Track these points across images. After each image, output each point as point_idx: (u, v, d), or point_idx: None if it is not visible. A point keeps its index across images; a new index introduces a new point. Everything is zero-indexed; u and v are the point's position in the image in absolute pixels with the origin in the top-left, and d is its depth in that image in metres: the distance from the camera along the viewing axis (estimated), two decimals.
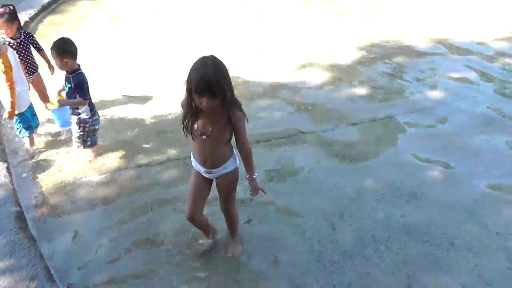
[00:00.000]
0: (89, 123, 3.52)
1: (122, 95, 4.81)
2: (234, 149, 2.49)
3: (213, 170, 2.45)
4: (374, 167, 3.67)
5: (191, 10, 7.94)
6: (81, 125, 3.50)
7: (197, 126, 2.28)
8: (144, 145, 3.93)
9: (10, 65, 3.33)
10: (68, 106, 3.51)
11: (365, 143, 4.01)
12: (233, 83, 2.21)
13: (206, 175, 2.51)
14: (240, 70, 5.36)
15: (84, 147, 3.62)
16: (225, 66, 2.13)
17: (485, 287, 2.60)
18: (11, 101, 3.34)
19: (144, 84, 5.09)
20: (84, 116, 3.47)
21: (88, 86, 3.41)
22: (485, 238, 2.94)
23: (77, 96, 3.33)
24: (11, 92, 3.32)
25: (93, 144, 3.66)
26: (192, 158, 2.54)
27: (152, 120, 4.35)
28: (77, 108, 3.45)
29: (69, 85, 3.33)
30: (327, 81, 5.27)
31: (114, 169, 3.60)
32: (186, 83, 2.11)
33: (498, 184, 3.46)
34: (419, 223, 3.06)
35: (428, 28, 7.03)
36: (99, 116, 3.65)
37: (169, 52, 5.93)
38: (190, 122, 2.28)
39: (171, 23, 7.20)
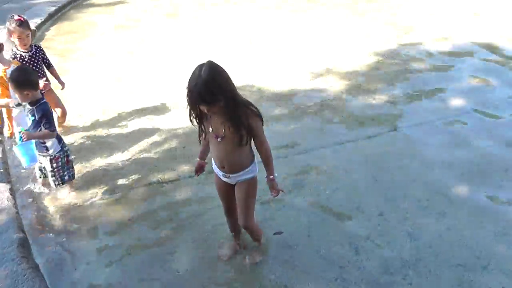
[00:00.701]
0: (61, 156, 3.21)
1: (132, 109, 4.62)
2: (255, 156, 2.45)
3: (231, 175, 2.43)
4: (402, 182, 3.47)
5: (207, 14, 7.81)
6: (53, 161, 3.19)
7: (212, 129, 2.27)
8: (156, 162, 3.75)
9: (6, 82, 3.17)
10: (33, 140, 3.05)
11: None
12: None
13: (224, 179, 2.50)
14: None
15: (64, 183, 3.30)
16: (220, 73, 2.09)
17: None
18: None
19: (156, 95, 4.92)
20: (53, 151, 3.16)
21: (52, 116, 3.10)
22: None
23: (43, 128, 3.00)
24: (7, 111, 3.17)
25: (71, 178, 3.34)
26: (212, 161, 2.52)
27: (164, 135, 4.16)
28: (43, 143, 3.13)
29: (33, 118, 3.01)
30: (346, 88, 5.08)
31: (124, 188, 3.41)
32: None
33: None
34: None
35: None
36: (67, 145, 3.37)
37: (182, 61, 5.68)
38: (202, 126, 2.30)
39: (183, 31, 7.06)
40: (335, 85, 5.12)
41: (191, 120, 2.27)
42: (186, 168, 3.62)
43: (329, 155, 3.80)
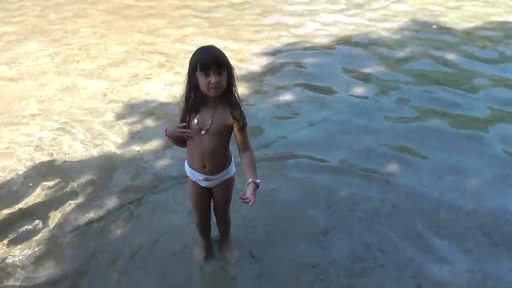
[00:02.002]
0: None
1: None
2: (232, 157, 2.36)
3: (212, 177, 2.27)
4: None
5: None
6: None
7: (197, 121, 2.11)
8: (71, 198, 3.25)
9: None
10: None
11: None
12: None
13: (204, 184, 2.32)
14: None
15: None
16: None
17: None
18: None
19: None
20: None
21: None
22: None
23: None
24: None
25: None
26: (186, 166, 2.34)
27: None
28: None
29: None
30: None
31: (45, 240, 2.87)
32: (188, 68, 2.03)
33: None
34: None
35: None
36: None
37: None
38: (190, 117, 2.11)
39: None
40: None
41: (187, 100, 2.09)
42: (112, 202, 3.21)
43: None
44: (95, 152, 3.78)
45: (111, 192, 3.28)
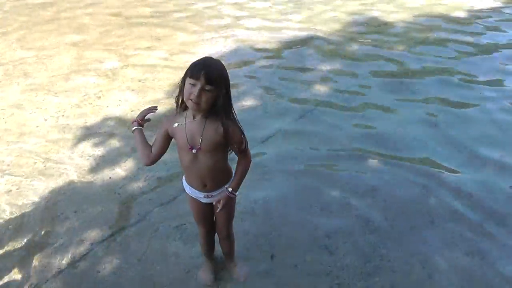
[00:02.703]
0: None
1: None
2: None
3: (213, 193, 2.14)
4: None
5: None
6: None
7: (186, 137, 1.94)
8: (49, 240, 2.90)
9: None
10: None
11: None
12: None
13: (205, 200, 2.18)
14: None
15: None
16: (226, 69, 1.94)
17: None
18: None
19: None
20: None
21: None
22: None
23: None
24: None
25: None
26: (185, 183, 2.19)
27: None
28: None
29: None
30: None
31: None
32: (183, 77, 1.89)
33: None
34: None
35: None
36: None
37: None
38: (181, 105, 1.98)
39: None
40: None
41: (177, 102, 1.97)
42: (93, 236, 2.92)
43: None
44: (60, 182, 3.42)
45: (90, 226, 2.98)
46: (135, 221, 3.02)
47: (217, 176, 2.09)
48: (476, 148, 3.82)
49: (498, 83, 5.12)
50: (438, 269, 2.60)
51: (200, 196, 2.16)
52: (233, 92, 1.98)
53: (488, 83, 5.09)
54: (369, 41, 6.54)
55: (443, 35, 6.70)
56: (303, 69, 5.54)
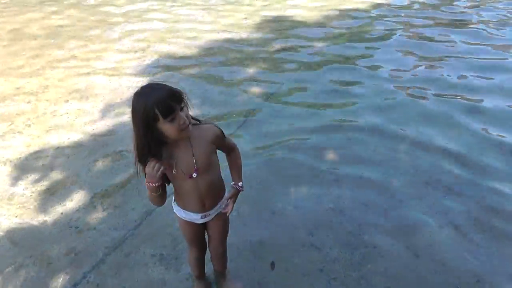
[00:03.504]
0: None
1: None
2: None
3: (211, 212, 2.01)
4: None
5: None
6: None
7: (175, 170, 1.78)
8: None
9: None
10: None
11: None
12: None
13: (201, 221, 2.03)
14: None
15: None
16: None
17: None
18: None
19: None
20: None
21: None
22: None
23: None
24: None
25: None
26: (177, 208, 2.02)
27: None
28: None
29: None
30: None
31: None
32: (138, 122, 1.64)
33: None
34: None
35: None
36: None
37: None
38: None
39: None
40: None
41: (141, 156, 1.72)
42: (63, 282, 2.60)
43: None
44: (4, 227, 3.01)
45: (54, 272, 2.65)
46: (104, 254, 2.76)
47: (216, 193, 1.98)
48: None
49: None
50: (421, 247, 2.72)
51: (197, 217, 2.01)
52: None
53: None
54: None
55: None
56: (231, 73, 5.52)
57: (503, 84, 4.90)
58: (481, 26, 6.99)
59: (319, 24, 7.36)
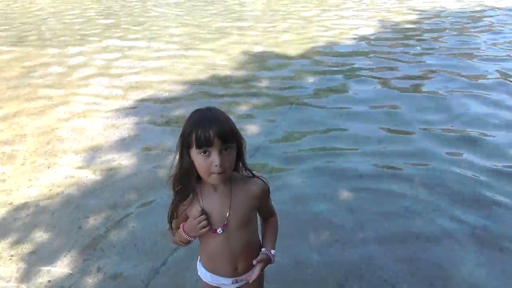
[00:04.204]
0: None
1: None
2: None
3: (243, 277, 1.67)
4: None
5: None
6: None
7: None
8: None
9: None
10: None
11: None
12: None
13: (232, 286, 1.72)
14: None
15: None
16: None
17: None
18: None
19: None
20: None
21: None
22: None
23: None
24: None
25: None
26: (203, 270, 1.74)
27: None
28: None
29: None
30: None
31: None
32: (179, 140, 1.49)
33: None
34: None
35: None
36: None
37: None
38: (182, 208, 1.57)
39: None
40: None
41: (179, 188, 1.55)
42: None
43: None
44: None
45: None
46: None
47: (253, 254, 1.63)
48: None
49: None
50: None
51: (227, 283, 1.71)
52: None
53: None
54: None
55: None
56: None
57: None
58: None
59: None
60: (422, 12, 11.51)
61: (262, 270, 1.59)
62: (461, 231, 2.94)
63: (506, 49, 7.59)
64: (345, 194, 3.44)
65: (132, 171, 3.93)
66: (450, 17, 10.72)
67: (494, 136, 4.37)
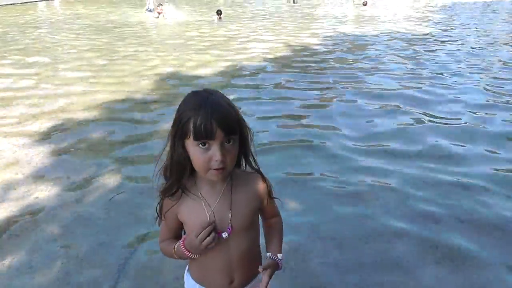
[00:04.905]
0: None
1: None
2: None
3: None
4: None
5: None
6: None
7: (212, 218, 1.31)
8: None
9: None
10: None
11: None
12: None
13: None
14: None
15: None
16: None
17: None
18: None
19: None
20: None
21: None
22: None
23: None
24: None
25: None
26: (190, 280, 1.47)
27: None
28: None
29: None
30: None
31: None
32: (172, 127, 1.26)
33: None
34: None
35: None
36: None
37: None
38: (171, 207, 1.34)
39: None
40: None
41: (169, 182, 1.32)
42: None
43: None
44: None
45: None
46: None
47: (251, 265, 1.42)
48: None
49: None
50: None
51: None
52: None
53: None
54: None
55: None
56: None
57: None
58: None
59: None
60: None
61: (270, 278, 1.33)
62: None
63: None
64: None
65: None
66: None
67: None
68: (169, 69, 8.47)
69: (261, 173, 1.40)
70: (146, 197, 3.47)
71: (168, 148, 1.30)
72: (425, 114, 5.73)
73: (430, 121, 5.47)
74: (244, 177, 1.38)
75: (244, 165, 1.38)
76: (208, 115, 1.17)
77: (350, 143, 4.71)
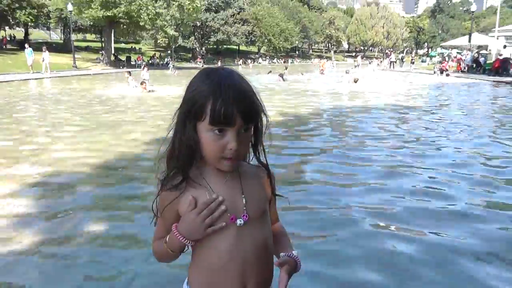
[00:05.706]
0: None
1: None
2: None
3: None
4: None
5: None
6: None
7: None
8: None
9: None
10: None
11: None
12: None
13: None
14: None
15: None
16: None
17: None
18: None
19: None
20: None
21: None
22: None
23: None
24: None
25: None
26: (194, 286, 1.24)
27: None
28: None
29: None
30: None
31: None
32: (180, 107, 1.15)
33: None
34: None
35: None
36: None
37: None
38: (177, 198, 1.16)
39: None
40: None
41: (173, 169, 1.17)
42: None
43: None
44: None
45: None
46: None
47: (268, 264, 1.23)
48: None
49: None
50: None
51: None
52: None
53: None
54: None
55: None
56: None
57: None
58: None
59: None
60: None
61: (289, 277, 1.15)
62: None
63: None
64: None
65: None
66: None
67: None
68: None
69: (268, 168, 1.25)
70: None
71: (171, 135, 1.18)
72: None
73: None
74: (250, 169, 1.24)
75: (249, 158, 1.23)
76: (230, 99, 1.06)
77: None
